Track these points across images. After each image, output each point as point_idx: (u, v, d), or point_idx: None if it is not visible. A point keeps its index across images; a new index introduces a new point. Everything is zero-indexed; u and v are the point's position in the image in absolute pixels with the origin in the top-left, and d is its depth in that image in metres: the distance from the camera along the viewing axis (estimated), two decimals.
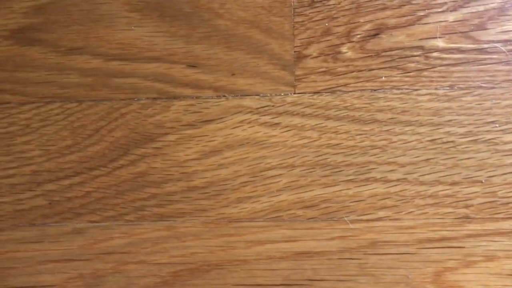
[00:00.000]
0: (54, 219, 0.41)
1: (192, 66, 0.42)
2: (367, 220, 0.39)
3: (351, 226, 0.38)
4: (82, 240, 0.40)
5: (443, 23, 0.40)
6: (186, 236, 0.40)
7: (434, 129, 0.39)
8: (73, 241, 0.40)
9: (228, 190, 0.40)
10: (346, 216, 0.39)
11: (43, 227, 0.41)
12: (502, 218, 0.38)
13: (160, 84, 0.42)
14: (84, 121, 0.42)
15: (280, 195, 0.39)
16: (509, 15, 0.40)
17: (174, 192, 0.40)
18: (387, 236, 0.38)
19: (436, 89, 0.40)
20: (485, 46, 0.40)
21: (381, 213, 0.38)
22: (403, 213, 0.38)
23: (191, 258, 0.39)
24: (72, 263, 0.40)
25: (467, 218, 0.38)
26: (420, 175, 0.39)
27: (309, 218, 0.39)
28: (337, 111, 0.40)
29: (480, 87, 0.39)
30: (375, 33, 0.41)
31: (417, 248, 0.38)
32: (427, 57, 0.40)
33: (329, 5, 0.41)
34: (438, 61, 0.40)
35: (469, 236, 0.38)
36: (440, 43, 0.40)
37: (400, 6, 0.41)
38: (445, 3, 0.41)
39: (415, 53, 0.40)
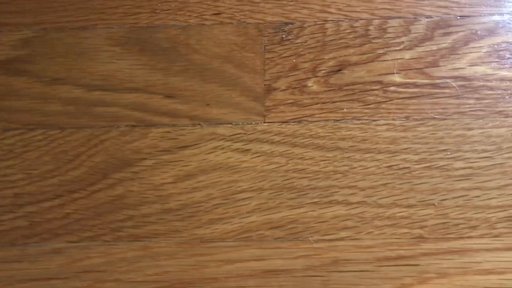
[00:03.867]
0: (34, 240, 0.43)
1: (170, 96, 0.45)
2: (330, 240, 0.41)
3: (315, 245, 0.41)
4: (60, 259, 0.42)
5: (400, 60, 0.44)
6: (160, 255, 0.42)
7: (391, 156, 0.42)
8: (52, 261, 0.42)
9: (201, 212, 0.42)
10: (310, 236, 0.41)
11: (24, 247, 0.42)
12: (454, 238, 0.41)
13: (138, 112, 0.45)
14: (65, 147, 0.44)
15: (250, 216, 0.42)
16: (459, 54, 0.44)
17: (150, 214, 0.42)
18: (348, 254, 0.41)
19: (393, 120, 0.43)
20: (438, 81, 0.44)
21: (342, 233, 0.41)
22: (363, 233, 0.41)
23: (164, 277, 0.41)
24: (51, 281, 0.42)
25: (421, 238, 0.41)
26: (378, 198, 0.42)
27: (276, 238, 0.41)
28: (303, 139, 0.43)
29: (433, 118, 0.43)
30: (338, 69, 0.44)
31: (376, 266, 0.41)
32: (385, 91, 0.44)
33: (296, 43, 0.45)
34: (395, 95, 0.44)
35: (424, 254, 0.40)
36: (397, 78, 0.44)
37: (361, 45, 0.45)
38: (402, 42, 0.45)
39: (374, 87, 0.44)
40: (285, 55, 0.45)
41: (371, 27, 0.45)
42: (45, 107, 0.45)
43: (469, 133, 0.42)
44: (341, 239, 0.41)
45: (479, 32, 0.44)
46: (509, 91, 0.43)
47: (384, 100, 0.43)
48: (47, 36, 0.46)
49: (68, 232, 0.42)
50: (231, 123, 0.44)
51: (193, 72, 0.45)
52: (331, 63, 0.45)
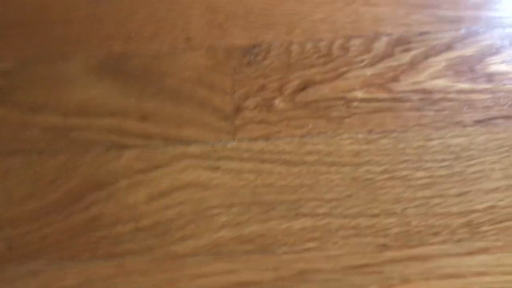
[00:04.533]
0: (12, 263, 0.44)
1: (143, 119, 0.47)
2: (297, 252, 0.42)
3: (283, 257, 0.42)
4: (38, 281, 0.43)
5: (362, 77, 0.46)
6: (135, 273, 0.43)
7: (355, 168, 0.44)
8: (29, 283, 0.43)
9: (173, 229, 0.44)
10: (278, 248, 0.42)
11: (1, 271, 0.43)
12: (416, 245, 0.42)
13: (113, 136, 0.46)
14: (43, 172, 0.46)
15: (220, 231, 0.43)
16: (417, 69, 0.46)
17: (124, 233, 0.44)
18: (315, 265, 0.42)
19: (356, 133, 0.45)
20: (399, 95, 0.46)
21: (309, 244, 0.42)
22: (329, 243, 0.42)
23: None
24: None
25: (385, 246, 0.42)
26: (343, 209, 0.43)
27: (246, 252, 0.43)
28: (271, 155, 0.45)
29: (395, 131, 0.45)
30: (303, 87, 0.46)
31: (342, 275, 0.42)
32: (348, 107, 0.46)
33: (263, 64, 0.47)
34: (358, 110, 0.45)
35: (388, 262, 0.42)
36: (360, 94, 0.46)
37: (325, 64, 0.47)
38: (364, 59, 0.47)
39: (338, 103, 0.46)
40: (253, 76, 0.47)
41: (334, 47, 0.47)
42: (24, 135, 0.47)
43: (430, 143, 0.44)
44: (308, 250, 0.42)
45: (437, 48, 0.46)
46: (467, 102, 0.45)
47: (347, 115, 0.45)
48: (26, 68, 0.49)
49: (46, 253, 0.44)
50: (202, 142, 0.45)
51: (166, 95, 0.47)
52: (296, 82, 0.46)
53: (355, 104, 0.45)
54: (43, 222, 0.44)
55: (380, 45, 0.47)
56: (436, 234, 0.42)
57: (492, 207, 0.41)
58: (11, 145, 0.46)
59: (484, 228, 0.41)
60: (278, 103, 0.46)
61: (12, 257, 0.44)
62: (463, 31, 0.47)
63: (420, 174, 0.43)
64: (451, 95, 0.45)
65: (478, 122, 0.44)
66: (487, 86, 0.45)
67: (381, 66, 0.46)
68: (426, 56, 0.46)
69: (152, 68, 0.48)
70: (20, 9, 0.51)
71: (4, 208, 0.45)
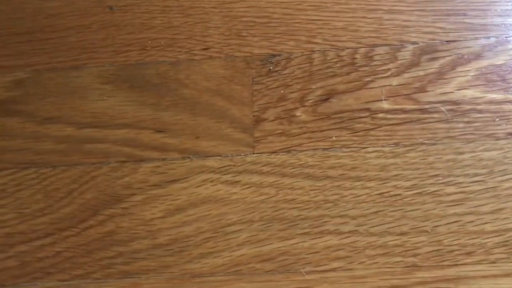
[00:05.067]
0: (25, 279, 0.42)
1: (160, 131, 0.45)
2: (322, 271, 0.40)
3: (307, 277, 0.40)
4: None
5: (388, 87, 0.44)
6: None
7: (381, 184, 0.42)
8: None
9: (191, 246, 0.42)
10: (302, 268, 0.41)
11: (14, 287, 0.42)
12: (448, 265, 0.40)
13: (129, 148, 0.45)
14: (57, 185, 0.44)
15: (240, 249, 0.41)
16: (446, 78, 0.44)
17: (140, 250, 0.42)
18: (341, 286, 0.40)
19: (382, 146, 0.43)
20: (426, 106, 0.44)
21: (334, 264, 0.40)
22: (355, 263, 0.40)
23: None
24: None
25: (415, 266, 0.40)
26: (370, 227, 0.41)
27: (267, 271, 0.41)
28: (292, 169, 0.43)
29: (423, 143, 0.43)
30: (326, 98, 0.45)
31: None
32: (373, 118, 0.44)
33: (284, 74, 0.46)
34: (384, 121, 0.44)
35: (418, 283, 0.39)
36: (385, 105, 0.44)
37: (348, 73, 0.45)
38: (389, 69, 0.45)
39: (363, 115, 0.44)
40: (273, 86, 0.45)
41: (357, 56, 0.45)
42: (37, 146, 0.45)
43: (460, 157, 0.42)
44: (333, 270, 0.40)
45: (465, 56, 0.44)
46: (498, 114, 0.43)
47: (373, 127, 0.43)
48: (40, 77, 0.47)
49: (59, 270, 0.42)
50: (220, 155, 0.44)
51: (183, 106, 0.45)
52: (318, 92, 0.45)
53: (380, 115, 0.44)
54: (56, 238, 0.43)
55: (406, 54, 0.45)
56: (470, 253, 0.39)
57: None
58: (24, 157, 0.45)
59: None
60: (300, 114, 0.44)
61: (24, 274, 0.42)
62: (492, 39, 0.45)
63: (451, 189, 0.41)
64: (481, 106, 0.43)
65: (511, 134, 0.42)
66: None
67: (407, 75, 0.44)
68: (454, 65, 0.44)
69: (168, 77, 0.46)
70: (33, 16, 0.49)
71: (16, 221, 0.44)
